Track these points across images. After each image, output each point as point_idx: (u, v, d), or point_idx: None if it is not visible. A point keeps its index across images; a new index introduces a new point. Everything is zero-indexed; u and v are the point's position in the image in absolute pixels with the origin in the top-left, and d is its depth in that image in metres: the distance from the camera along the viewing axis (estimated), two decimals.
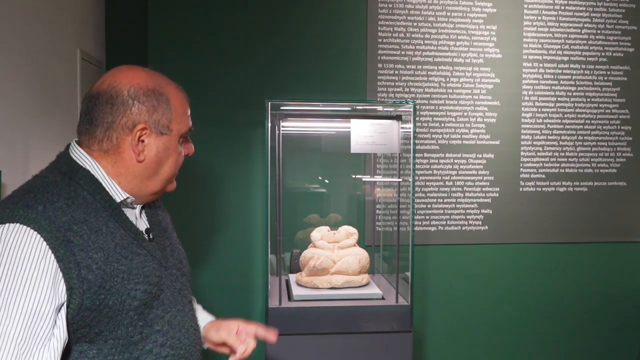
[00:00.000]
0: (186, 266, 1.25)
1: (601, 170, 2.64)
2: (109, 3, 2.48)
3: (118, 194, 1.07)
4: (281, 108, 2.00)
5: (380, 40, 2.47)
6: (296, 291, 1.98)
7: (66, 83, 2.01)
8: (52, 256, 0.92)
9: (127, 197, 1.09)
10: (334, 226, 2.15)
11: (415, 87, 2.50)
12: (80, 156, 1.06)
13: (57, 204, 0.96)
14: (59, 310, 0.93)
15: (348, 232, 2.10)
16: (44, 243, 0.91)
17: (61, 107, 1.95)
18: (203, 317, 1.35)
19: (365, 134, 1.94)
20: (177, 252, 1.23)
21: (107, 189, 1.06)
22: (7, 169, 1.50)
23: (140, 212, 1.16)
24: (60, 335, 0.93)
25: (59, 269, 0.92)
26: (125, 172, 1.08)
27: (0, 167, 1.47)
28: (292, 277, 2.15)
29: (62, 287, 0.93)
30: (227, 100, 2.39)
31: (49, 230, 0.92)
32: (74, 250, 0.94)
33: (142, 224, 1.16)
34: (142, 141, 1.06)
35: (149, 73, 1.10)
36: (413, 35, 2.49)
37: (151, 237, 1.14)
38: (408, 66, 2.50)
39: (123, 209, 1.09)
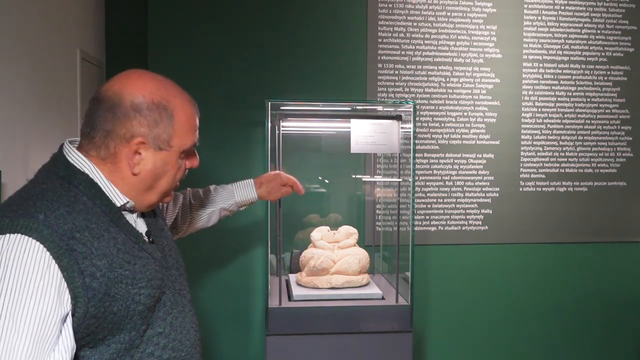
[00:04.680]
0: (182, 264, 1.24)
1: (601, 170, 2.64)
2: (109, 3, 2.48)
3: (118, 199, 1.04)
4: (281, 108, 1.99)
5: (380, 40, 2.47)
6: (296, 291, 1.98)
7: (66, 83, 2.01)
8: (56, 266, 0.89)
9: (127, 202, 1.06)
10: (334, 226, 2.15)
11: (415, 87, 2.50)
12: (78, 159, 1.02)
13: (58, 211, 0.93)
14: (65, 320, 0.91)
15: (348, 232, 2.10)
16: (47, 253, 0.89)
17: (61, 107, 1.95)
18: (226, 191, 1.82)
19: (365, 134, 1.94)
20: (174, 251, 1.22)
21: (106, 193, 1.03)
22: (7, 169, 1.50)
23: (138, 214, 1.14)
24: (67, 345, 0.90)
25: (63, 279, 0.90)
26: (122, 182, 1.05)
27: (0, 167, 1.47)
28: (292, 277, 2.15)
29: (66, 296, 0.91)
30: (227, 100, 2.39)
31: (51, 239, 0.90)
32: (77, 259, 0.92)
33: (142, 226, 1.14)
34: (139, 154, 1.03)
35: (159, 84, 1.05)
36: (413, 35, 2.49)
37: (151, 239, 1.12)
38: (408, 66, 2.50)
39: (123, 213, 1.07)
